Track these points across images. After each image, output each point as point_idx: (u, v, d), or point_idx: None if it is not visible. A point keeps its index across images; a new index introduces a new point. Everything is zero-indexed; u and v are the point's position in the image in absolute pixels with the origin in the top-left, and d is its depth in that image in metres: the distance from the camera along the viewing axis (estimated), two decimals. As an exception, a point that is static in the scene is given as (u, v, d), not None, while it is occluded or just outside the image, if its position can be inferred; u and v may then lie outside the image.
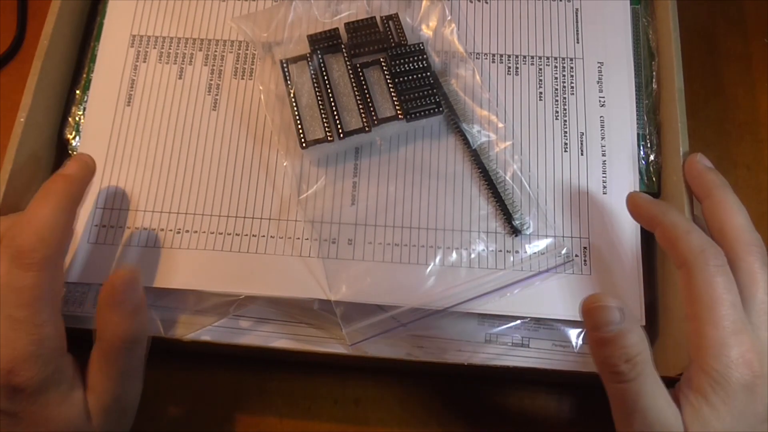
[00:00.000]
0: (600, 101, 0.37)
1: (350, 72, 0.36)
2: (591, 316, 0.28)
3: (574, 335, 0.35)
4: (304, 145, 0.35)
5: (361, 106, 0.35)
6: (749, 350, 0.27)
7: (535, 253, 0.35)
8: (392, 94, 0.35)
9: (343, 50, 0.36)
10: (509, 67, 0.38)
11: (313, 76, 0.36)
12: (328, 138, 0.35)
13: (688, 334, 0.28)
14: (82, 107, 0.38)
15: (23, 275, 0.28)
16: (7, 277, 0.28)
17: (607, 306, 0.27)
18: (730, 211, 0.30)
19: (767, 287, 0.28)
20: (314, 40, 0.37)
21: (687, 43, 0.37)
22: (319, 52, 0.36)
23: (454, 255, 0.35)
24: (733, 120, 0.42)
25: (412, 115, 0.35)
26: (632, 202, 0.33)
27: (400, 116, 0.35)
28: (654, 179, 0.37)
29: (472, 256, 0.35)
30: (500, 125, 0.37)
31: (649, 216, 0.32)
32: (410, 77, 0.36)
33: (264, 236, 0.35)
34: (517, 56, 0.38)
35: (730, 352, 0.27)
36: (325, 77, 0.36)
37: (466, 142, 0.36)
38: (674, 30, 0.37)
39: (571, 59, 0.38)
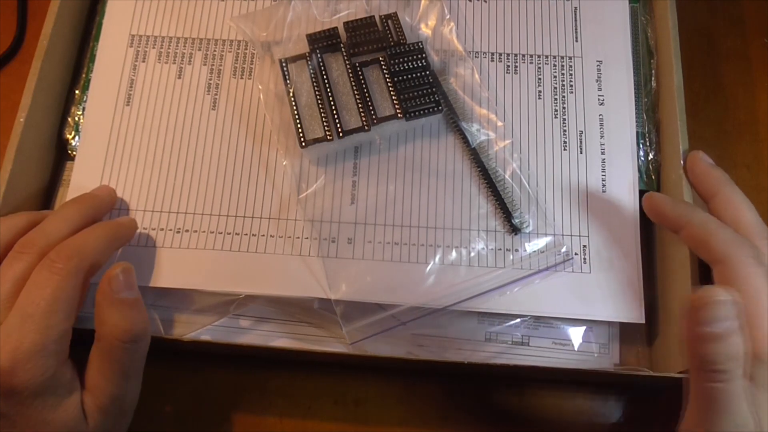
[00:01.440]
0: (599, 100, 0.37)
1: (349, 71, 0.36)
2: (702, 311, 0.26)
3: (574, 333, 0.35)
4: (303, 144, 0.35)
5: (360, 105, 0.35)
6: None
7: (534, 251, 0.35)
8: (391, 93, 0.35)
9: (342, 49, 0.36)
10: (508, 66, 0.38)
11: (313, 75, 0.36)
12: (328, 137, 0.35)
13: None
14: (81, 107, 0.38)
15: (50, 276, 0.29)
16: (35, 275, 0.29)
17: (722, 301, 0.26)
18: (741, 208, 0.31)
19: None
20: (313, 39, 0.37)
21: (687, 43, 0.37)
22: (318, 51, 0.36)
23: (454, 253, 0.35)
24: (732, 120, 0.42)
25: (412, 114, 0.35)
26: (652, 203, 0.33)
27: (399, 115, 0.35)
28: (653, 177, 0.37)
29: (472, 254, 0.35)
30: (499, 124, 0.37)
31: (674, 217, 0.32)
32: (409, 76, 0.36)
33: (264, 235, 0.35)
34: (516, 55, 0.38)
35: None
36: (325, 76, 0.36)
37: (465, 140, 0.36)
38: (673, 28, 0.37)
39: (570, 58, 0.38)
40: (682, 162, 0.34)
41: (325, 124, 0.35)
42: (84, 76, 0.39)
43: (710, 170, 0.33)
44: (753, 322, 0.27)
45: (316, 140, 0.35)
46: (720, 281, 0.29)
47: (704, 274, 0.32)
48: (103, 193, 0.35)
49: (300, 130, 0.35)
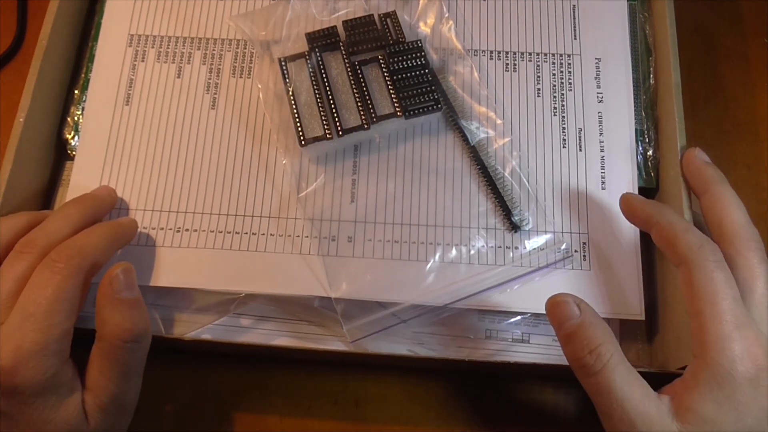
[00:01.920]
0: (598, 97, 0.38)
1: (348, 70, 0.36)
2: (553, 315, 0.29)
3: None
4: (303, 142, 0.35)
5: (359, 104, 0.35)
6: (753, 344, 0.27)
7: (534, 249, 0.35)
8: (391, 91, 0.35)
9: (342, 48, 0.37)
10: (507, 64, 0.38)
11: (312, 74, 0.36)
12: (327, 136, 0.35)
13: (692, 330, 0.28)
14: (80, 107, 0.38)
15: (51, 276, 0.29)
16: (36, 274, 0.29)
17: (564, 302, 0.28)
18: (729, 207, 0.31)
19: (766, 282, 0.29)
20: (312, 38, 0.37)
21: (687, 42, 0.37)
22: (317, 50, 0.36)
23: (454, 251, 0.35)
24: (732, 120, 0.42)
25: (411, 112, 0.35)
26: (626, 203, 0.33)
27: (398, 113, 0.35)
28: (652, 174, 0.37)
29: (472, 252, 0.35)
30: (498, 122, 0.37)
31: (644, 217, 0.32)
32: (408, 74, 0.36)
33: (264, 234, 0.35)
34: (515, 53, 0.38)
35: (734, 345, 0.27)
36: (324, 75, 0.36)
37: (464, 138, 0.36)
38: (671, 25, 0.37)
39: (569, 55, 0.38)
40: (679, 159, 0.34)
41: (324, 122, 0.35)
42: (83, 75, 0.39)
43: (703, 168, 0.33)
44: (704, 327, 0.27)
45: (316, 139, 0.35)
46: (682, 282, 0.29)
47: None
48: (104, 193, 0.35)
49: (299, 129, 0.35)
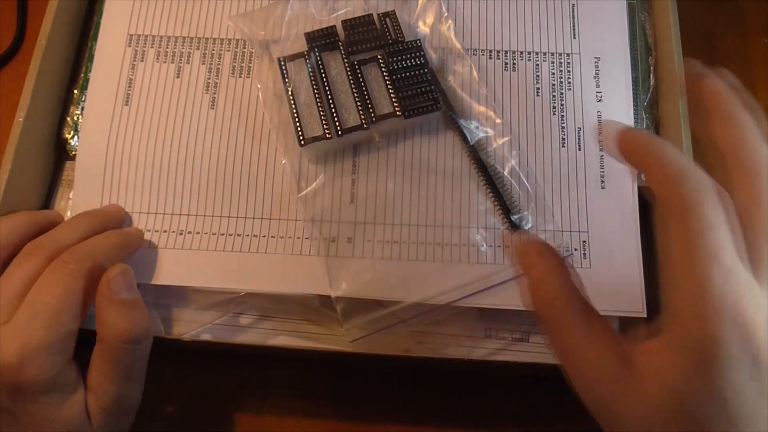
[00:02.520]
0: (597, 96, 0.38)
1: (348, 69, 0.36)
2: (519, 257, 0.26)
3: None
4: (302, 142, 0.35)
5: (359, 103, 0.35)
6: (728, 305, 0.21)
7: (534, 248, 0.35)
8: (390, 91, 0.35)
9: (341, 48, 0.37)
10: (506, 63, 0.38)
11: (311, 73, 0.36)
12: (327, 135, 0.35)
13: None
14: (80, 107, 0.38)
15: (61, 277, 0.29)
16: (46, 274, 0.29)
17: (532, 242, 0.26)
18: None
19: None
20: (311, 38, 0.37)
21: (687, 42, 0.37)
22: (316, 49, 0.36)
23: (453, 251, 0.35)
24: (732, 119, 0.42)
25: (410, 112, 0.35)
26: (624, 139, 0.26)
27: (398, 113, 0.35)
28: (652, 173, 0.37)
29: (471, 251, 0.35)
30: (498, 121, 0.37)
31: (643, 152, 0.25)
32: (408, 74, 0.36)
33: (265, 236, 0.35)
34: (514, 52, 0.38)
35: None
36: (323, 75, 0.36)
37: (464, 138, 0.36)
38: (674, 25, 0.37)
39: (568, 54, 0.38)
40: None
41: (324, 122, 0.35)
42: (83, 75, 0.39)
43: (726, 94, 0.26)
44: (677, 282, 0.22)
45: (315, 138, 0.35)
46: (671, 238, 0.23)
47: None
48: (113, 210, 0.36)
49: (299, 129, 0.35)
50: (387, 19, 0.37)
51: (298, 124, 0.35)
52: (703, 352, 0.20)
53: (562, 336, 0.24)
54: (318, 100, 0.35)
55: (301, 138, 0.35)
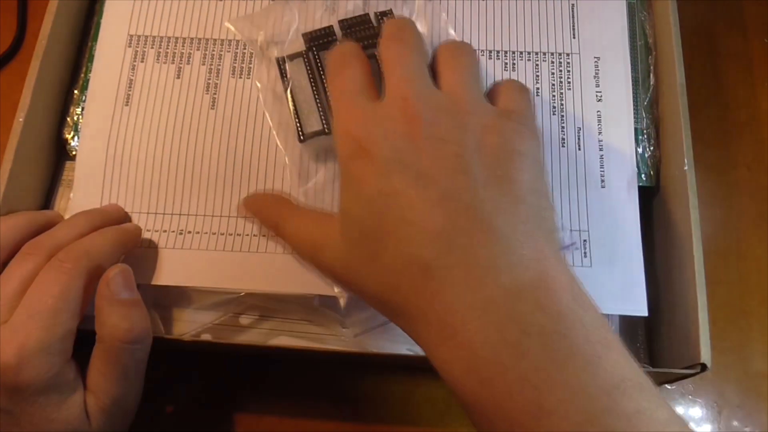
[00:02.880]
0: (597, 96, 0.38)
1: (347, 69, 0.36)
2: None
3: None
4: (302, 138, 0.35)
5: (358, 103, 0.35)
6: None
7: (534, 247, 0.35)
8: (389, 90, 0.35)
9: (340, 47, 0.36)
10: (506, 63, 0.38)
11: (309, 72, 0.36)
12: (326, 131, 0.35)
13: None
14: (80, 107, 0.38)
15: (58, 276, 0.29)
16: (43, 274, 0.29)
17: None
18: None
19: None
20: (310, 38, 0.37)
21: (687, 42, 0.37)
22: (314, 49, 0.36)
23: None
24: (733, 120, 0.42)
25: (410, 111, 0.35)
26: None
27: (397, 112, 0.35)
28: (652, 173, 0.37)
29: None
30: (498, 121, 0.37)
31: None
32: (407, 73, 0.36)
33: (265, 236, 0.35)
34: (513, 52, 0.38)
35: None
36: (321, 73, 0.36)
37: (463, 137, 0.36)
38: (674, 25, 0.37)
39: (568, 54, 0.38)
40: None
41: (322, 118, 0.35)
42: (83, 76, 0.39)
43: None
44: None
45: (315, 134, 0.35)
46: None
47: (708, 269, 0.32)
48: (112, 209, 0.36)
49: (298, 125, 0.35)
50: (384, 18, 0.37)
51: (297, 120, 0.35)
52: (342, 167, 0.29)
53: (284, 225, 0.32)
54: (316, 96, 0.35)
55: (300, 134, 0.35)
